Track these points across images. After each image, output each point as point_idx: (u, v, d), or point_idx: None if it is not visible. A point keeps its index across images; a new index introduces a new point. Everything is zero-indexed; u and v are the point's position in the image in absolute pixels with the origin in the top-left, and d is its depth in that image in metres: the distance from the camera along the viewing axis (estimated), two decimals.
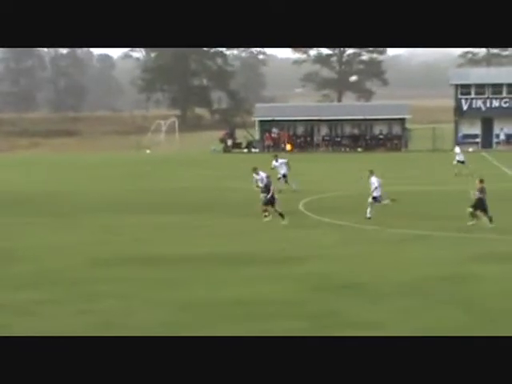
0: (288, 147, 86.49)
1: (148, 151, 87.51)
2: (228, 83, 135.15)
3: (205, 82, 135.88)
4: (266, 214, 35.24)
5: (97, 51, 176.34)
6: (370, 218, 34.88)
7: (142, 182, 53.50)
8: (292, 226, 32.52)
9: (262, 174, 42.11)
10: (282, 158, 50.61)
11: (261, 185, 40.65)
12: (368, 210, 34.42)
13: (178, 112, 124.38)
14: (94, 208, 40.13)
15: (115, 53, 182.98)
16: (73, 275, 24.49)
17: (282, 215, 33.99)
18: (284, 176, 50.05)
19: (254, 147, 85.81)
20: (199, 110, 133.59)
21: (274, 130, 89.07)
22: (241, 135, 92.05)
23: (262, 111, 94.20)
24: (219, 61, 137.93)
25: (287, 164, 50.45)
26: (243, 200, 41.90)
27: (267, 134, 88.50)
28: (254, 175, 43.28)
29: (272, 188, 36.39)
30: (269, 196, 35.62)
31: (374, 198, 35.47)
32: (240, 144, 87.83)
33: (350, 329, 16.86)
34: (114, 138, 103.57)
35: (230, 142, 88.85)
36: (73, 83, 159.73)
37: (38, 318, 19.59)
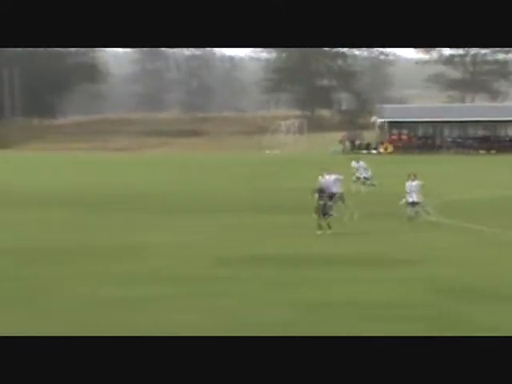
0: (389, 148, 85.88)
1: (268, 151, 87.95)
2: (352, 84, 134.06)
3: (329, 82, 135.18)
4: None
5: (221, 52, 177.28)
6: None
7: (266, 182, 54.01)
8: (408, 228, 32.69)
9: (327, 177, 38.77)
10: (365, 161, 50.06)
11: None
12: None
13: (299, 113, 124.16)
14: (218, 207, 40.91)
15: (239, 53, 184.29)
16: (195, 273, 25.14)
17: (320, 226, 31.98)
18: (366, 179, 48.91)
19: (375, 149, 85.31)
20: (322, 111, 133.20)
21: (404, 131, 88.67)
22: (363, 136, 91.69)
23: (388, 112, 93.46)
24: (344, 61, 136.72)
25: (366, 168, 49.55)
26: (363, 201, 42.00)
27: (390, 136, 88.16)
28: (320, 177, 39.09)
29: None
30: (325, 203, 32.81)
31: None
32: (360, 145, 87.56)
33: (468, 331, 16.96)
34: (240, 138, 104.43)
35: (348, 144, 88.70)
36: (201, 84, 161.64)
37: (156, 314, 20.32)
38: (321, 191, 33.32)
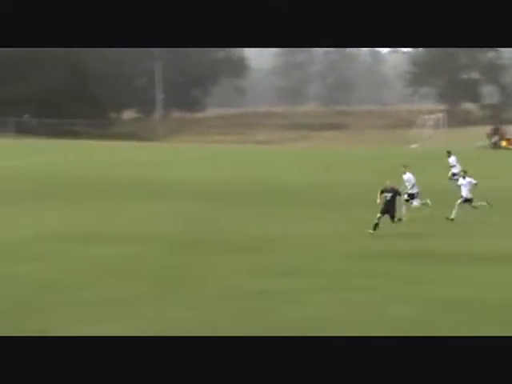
0: (504, 143, 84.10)
1: (414, 146, 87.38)
2: (499, 77, 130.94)
3: (475, 76, 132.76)
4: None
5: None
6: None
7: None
8: None
9: (410, 176, 36.77)
10: None
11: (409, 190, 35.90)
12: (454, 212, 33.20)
13: (444, 107, 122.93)
14: (352, 201, 41.11)
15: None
16: (331, 266, 25.38)
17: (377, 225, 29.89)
18: (454, 175, 45.74)
19: None
20: (467, 105, 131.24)
21: None
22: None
23: None
24: (495, 54, 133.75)
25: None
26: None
27: None
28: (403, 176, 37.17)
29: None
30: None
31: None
32: (509, 140, 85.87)
33: None
34: (381, 132, 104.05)
35: (495, 138, 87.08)
36: (342, 78, 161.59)
37: (302, 305, 20.62)
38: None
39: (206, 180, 51.07)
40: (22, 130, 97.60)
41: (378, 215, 29.72)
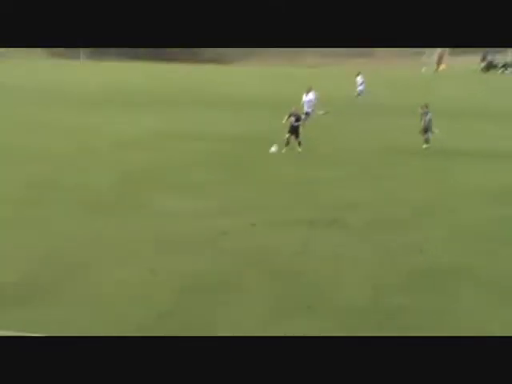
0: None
1: (424, 69, 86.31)
2: None
3: None
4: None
5: None
6: None
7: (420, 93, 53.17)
8: None
9: (312, 97, 33.59)
10: None
11: (306, 109, 32.71)
12: None
13: None
14: (365, 110, 40.77)
15: None
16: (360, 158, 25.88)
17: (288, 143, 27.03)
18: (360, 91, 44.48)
19: (507, 69, 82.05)
20: None
21: None
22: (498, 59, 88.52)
23: None
24: None
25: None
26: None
27: None
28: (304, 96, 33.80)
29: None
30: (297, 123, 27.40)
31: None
32: (496, 65, 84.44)
33: None
34: (399, 60, 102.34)
35: (483, 64, 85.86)
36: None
37: (338, 189, 21.24)
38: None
39: (266, 93, 51.04)
40: (133, 56, 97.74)
41: (287, 135, 27.04)
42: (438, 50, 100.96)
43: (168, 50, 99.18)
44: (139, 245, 15.18)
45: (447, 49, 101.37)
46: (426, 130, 28.33)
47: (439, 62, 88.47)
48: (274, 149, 26.69)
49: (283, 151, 26.69)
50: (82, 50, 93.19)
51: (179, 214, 17.78)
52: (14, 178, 21.19)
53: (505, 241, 16.19)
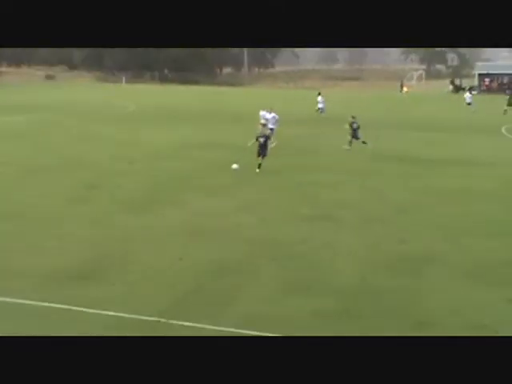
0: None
1: (404, 90, 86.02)
2: (459, 48, 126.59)
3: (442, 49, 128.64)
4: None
5: None
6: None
7: (396, 108, 52.84)
8: None
9: (271, 115, 30.48)
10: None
11: (270, 126, 29.08)
12: None
13: (424, 67, 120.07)
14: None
15: None
16: (354, 166, 25.75)
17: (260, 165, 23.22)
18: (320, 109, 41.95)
19: (474, 90, 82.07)
20: (438, 66, 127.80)
21: (486, 79, 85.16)
22: (465, 83, 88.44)
23: (480, 67, 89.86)
24: None
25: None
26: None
27: (483, 82, 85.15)
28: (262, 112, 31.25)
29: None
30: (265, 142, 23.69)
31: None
32: (464, 88, 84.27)
33: None
34: (384, 82, 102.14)
35: (451, 87, 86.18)
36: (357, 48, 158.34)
37: (335, 190, 21.18)
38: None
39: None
40: (164, 80, 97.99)
41: (259, 158, 23.51)
42: (417, 74, 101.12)
43: (192, 74, 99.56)
44: (169, 237, 15.25)
45: (422, 73, 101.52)
46: (354, 135, 28.76)
47: (402, 85, 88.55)
48: (235, 166, 22.62)
49: (257, 171, 23.18)
50: (124, 76, 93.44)
51: (203, 210, 17.85)
52: (68, 182, 21.33)
53: (466, 231, 16.27)
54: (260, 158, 23.40)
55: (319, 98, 44.69)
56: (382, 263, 13.56)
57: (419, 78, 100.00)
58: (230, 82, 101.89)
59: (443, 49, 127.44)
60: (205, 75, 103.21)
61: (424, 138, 34.95)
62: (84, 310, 10.72)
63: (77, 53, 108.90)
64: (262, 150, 23.39)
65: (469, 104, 50.89)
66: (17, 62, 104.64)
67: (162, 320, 10.29)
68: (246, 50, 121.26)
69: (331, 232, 15.92)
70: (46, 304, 10.92)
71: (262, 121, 28.67)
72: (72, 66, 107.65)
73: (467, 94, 54.08)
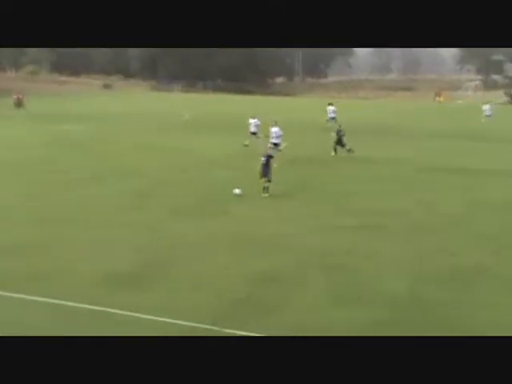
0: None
1: (459, 101, 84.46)
2: None
3: (499, 57, 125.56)
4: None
5: None
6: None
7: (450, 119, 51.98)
8: None
9: (277, 129, 28.72)
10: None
11: (274, 140, 27.73)
12: None
13: (480, 77, 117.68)
14: (409, 134, 40.08)
15: None
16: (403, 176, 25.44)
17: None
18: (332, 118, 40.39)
19: None
20: (495, 76, 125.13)
21: None
22: None
23: None
24: None
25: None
26: None
27: None
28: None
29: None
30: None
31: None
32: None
33: None
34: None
35: (506, 98, 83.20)
36: (414, 57, 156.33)
37: (382, 200, 20.95)
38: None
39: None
40: (217, 89, 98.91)
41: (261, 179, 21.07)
42: (473, 84, 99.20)
43: (244, 83, 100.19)
44: (216, 245, 15.38)
45: (478, 83, 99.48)
46: (339, 143, 29.82)
47: (437, 95, 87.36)
48: (237, 191, 20.79)
49: (265, 195, 20.84)
50: (177, 85, 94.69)
51: (250, 220, 17.93)
52: (122, 189, 21.72)
53: None
54: (264, 179, 20.73)
55: (330, 108, 42.80)
56: (432, 275, 13.36)
57: (475, 89, 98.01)
58: (283, 92, 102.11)
59: (500, 59, 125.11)
60: (257, 85, 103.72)
61: (476, 148, 34.28)
62: (135, 314, 10.91)
63: (133, 62, 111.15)
64: (265, 170, 20.80)
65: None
66: (76, 72, 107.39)
67: (215, 328, 10.38)
68: (298, 60, 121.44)
69: (379, 242, 15.77)
70: (98, 308, 11.16)
71: (274, 139, 28.43)
72: (128, 75, 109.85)
73: None
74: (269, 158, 21.19)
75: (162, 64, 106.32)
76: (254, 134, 32.94)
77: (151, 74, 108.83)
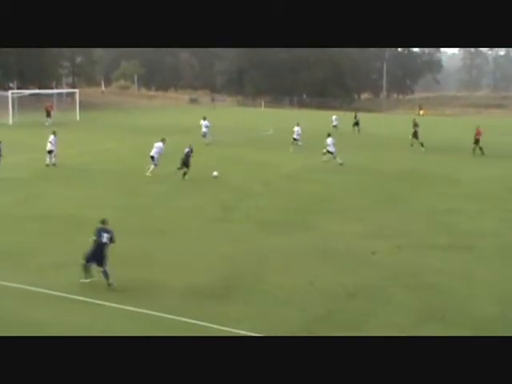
0: None
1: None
2: None
3: None
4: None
5: None
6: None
7: None
8: None
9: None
10: None
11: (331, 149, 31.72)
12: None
13: None
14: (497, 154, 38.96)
15: None
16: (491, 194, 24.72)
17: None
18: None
19: None
20: None
21: None
22: None
23: None
24: None
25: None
26: None
27: None
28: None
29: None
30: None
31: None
32: None
33: None
34: None
35: None
36: (505, 74, 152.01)
37: (473, 220, 20.43)
38: None
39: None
40: (301, 105, 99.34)
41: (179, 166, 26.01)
42: None
43: (329, 99, 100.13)
44: (302, 258, 15.47)
45: None
46: (329, 151, 31.18)
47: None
48: (215, 173, 26.47)
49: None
50: (263, 100, 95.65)
51: (337, 234, 17.93)
52: (211, 203, 22.07)
53: None
54: None
55: (296, 129, 39.10)
56: None
57: None
58: (368, 108, 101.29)
59: None
60: (342, 100, 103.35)
61: None
62: (218, 327, 11.04)
63: (220, 78, 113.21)
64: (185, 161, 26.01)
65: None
66: (164, 87, 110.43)
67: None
68: (384, 75, 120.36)
69: (468, 262, 15.43)
70: (184, 319, 11.40)
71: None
72: (214, 90, 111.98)
73: None
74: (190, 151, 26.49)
75: (248, 79, 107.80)
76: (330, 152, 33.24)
77: (237, 89, 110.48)
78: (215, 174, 26.56)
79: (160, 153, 27.72)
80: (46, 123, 48.84)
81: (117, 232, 13.26)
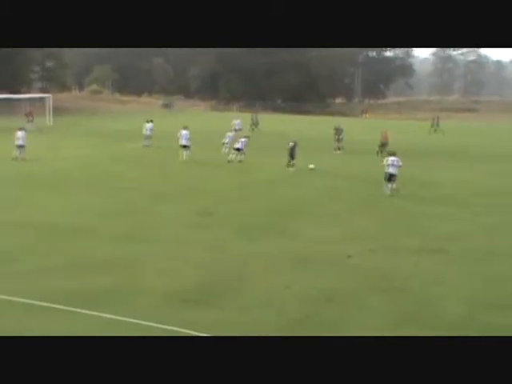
0: None
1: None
2: None
3: None
4: None
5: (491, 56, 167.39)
6: None
7: None
8: None
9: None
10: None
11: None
12: None
13: None
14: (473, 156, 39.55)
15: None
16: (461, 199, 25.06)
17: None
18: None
19: None
20: None
21: None
22: None
23: None
24: None
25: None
26: None
27: None
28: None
29: None
30: None
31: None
32: None
33: None
34: (500, 114, 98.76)
35: None
36: (475, 79, 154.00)
37: (446, 221, 20.79)
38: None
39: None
40: (277, 110, 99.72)
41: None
42: None
43: (303, 103, 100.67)
44: (278, 263, 15.70)
45: None
46: (291, 155, 31.50)
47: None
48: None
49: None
50: (236, 106, 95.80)
51: (312, 239, 18.20)
52: (188, 209, 22.08)
53: None
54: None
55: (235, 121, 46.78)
56: (491, 301, 13.35)
57: None
58: (342, 112, 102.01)
59: None
60: (316, 105, 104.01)
61: None
62: (194, 333, 11.00)
63: (193, 82, 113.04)
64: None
65: None
66: (138, 92, 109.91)
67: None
68: (357, 80, 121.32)
69: (441, 266, 15.81)
70: (160, 326, 11.33)
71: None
72: (188, 96, 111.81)
73: None
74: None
75: (223, 84, 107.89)
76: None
77: (212, 93, 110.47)
78: (311, 166, 29.18)
79: (189, 138, 32.91)
80: (29, 128, 48.44)
81: (94, 238, 13.31)
